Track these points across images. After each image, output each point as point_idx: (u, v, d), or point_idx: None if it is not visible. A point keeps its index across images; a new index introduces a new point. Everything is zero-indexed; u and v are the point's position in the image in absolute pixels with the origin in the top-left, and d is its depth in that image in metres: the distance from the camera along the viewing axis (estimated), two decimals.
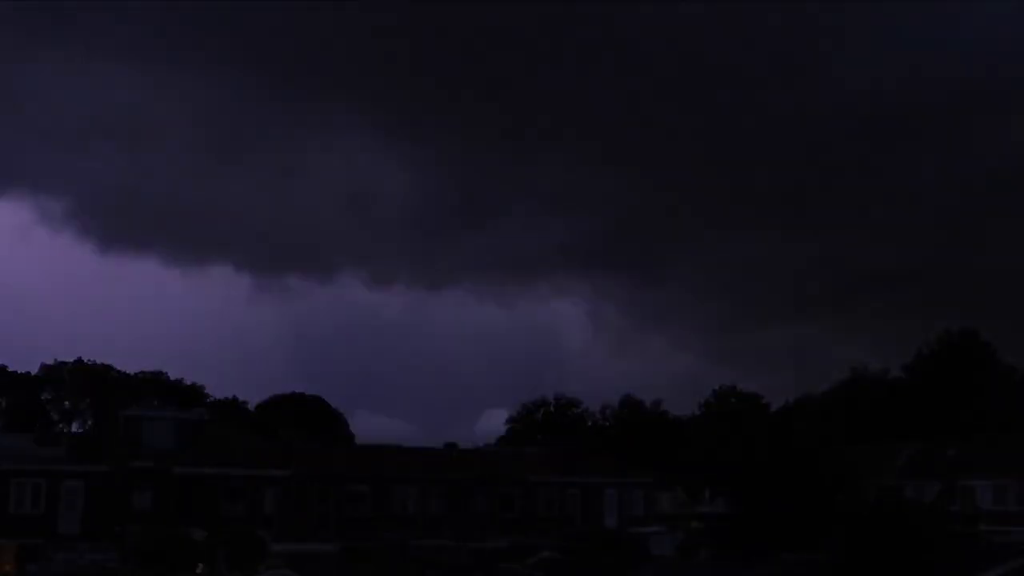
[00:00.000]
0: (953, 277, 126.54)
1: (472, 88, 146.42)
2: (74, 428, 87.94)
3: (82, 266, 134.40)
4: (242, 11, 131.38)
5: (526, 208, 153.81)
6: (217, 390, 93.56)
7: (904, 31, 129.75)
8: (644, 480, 68.53)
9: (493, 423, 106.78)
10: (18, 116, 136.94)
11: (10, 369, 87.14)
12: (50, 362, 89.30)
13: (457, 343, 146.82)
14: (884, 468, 60.93)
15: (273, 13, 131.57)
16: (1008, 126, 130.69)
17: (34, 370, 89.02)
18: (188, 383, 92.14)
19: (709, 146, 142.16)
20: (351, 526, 54.96)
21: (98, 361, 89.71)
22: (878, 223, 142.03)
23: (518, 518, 61.02)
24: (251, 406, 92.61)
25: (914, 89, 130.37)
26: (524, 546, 50.67)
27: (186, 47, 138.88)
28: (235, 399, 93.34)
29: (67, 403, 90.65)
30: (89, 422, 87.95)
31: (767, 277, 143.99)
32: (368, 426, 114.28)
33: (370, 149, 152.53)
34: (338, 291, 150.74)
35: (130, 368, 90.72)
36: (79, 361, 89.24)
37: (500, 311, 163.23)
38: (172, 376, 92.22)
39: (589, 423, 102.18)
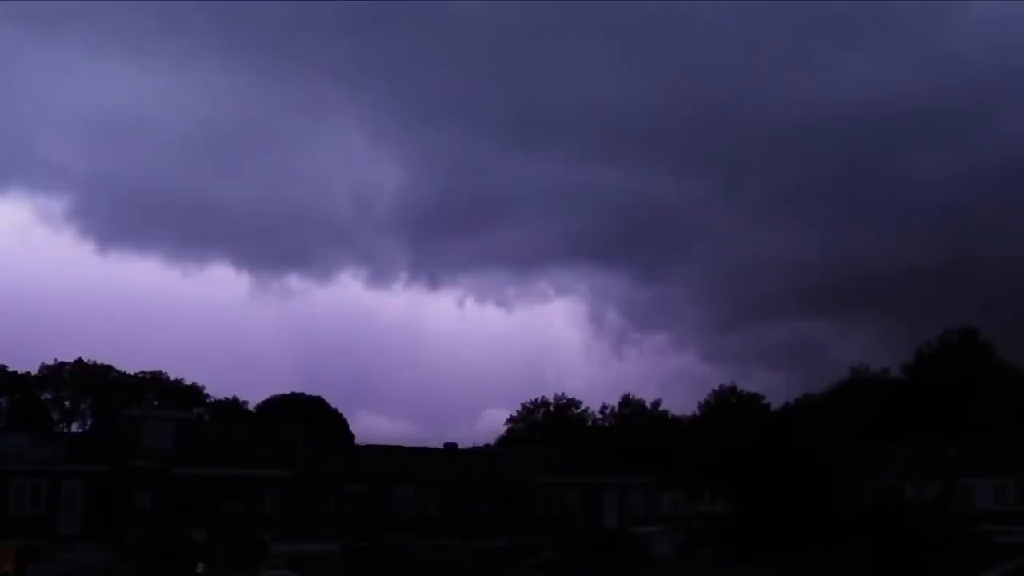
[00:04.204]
0: (953, 277, 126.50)
1: (472, 87, 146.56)
2: (74, 428, 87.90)
3: (82, 266, 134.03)
4: (242, 11, 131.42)
5: (526, 207, 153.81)
6: (217, 390, 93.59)
7: (905, 31, 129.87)
8: (644, 480, 68.52)
9: (493, 423, 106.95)
10: (18, 115, 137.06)
11: (10, 369, 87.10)
12: (50, 362, 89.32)
13: (457, 343, 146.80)
14: (884, 468, 60.94)
15: (273, 12, 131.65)
16: (1009, 125, 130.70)
17: (34, 370, 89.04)
18: (188, 383, 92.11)
19: (709, 146, 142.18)
20: (351, 526, 54.94)
21: (98, 361, 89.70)
22: (878, 223, 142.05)
23: (518, 518, 61.00)
24: (251, 406, 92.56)
25: (915, 89, 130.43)
26: (524, 546, 50.68)
27: (187, 47, 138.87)
28: (235, 399, 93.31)
29: (67, 403, 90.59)
30: (89, 422, 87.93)
31: (767, 277, 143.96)
32: (368, 426, 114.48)
33: (370, 148, 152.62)
34: (338, 291, 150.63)
35: (130, 368, 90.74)
36: (79, 361, 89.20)
37: (500, 311, 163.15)
38: (172, 376, 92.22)
39: (589, 423, 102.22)
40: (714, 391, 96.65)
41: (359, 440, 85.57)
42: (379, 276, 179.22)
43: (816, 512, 38.60)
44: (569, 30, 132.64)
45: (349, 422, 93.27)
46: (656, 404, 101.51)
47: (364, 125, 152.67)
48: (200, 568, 44.61)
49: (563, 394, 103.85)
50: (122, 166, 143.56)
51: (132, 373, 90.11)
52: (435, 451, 67.23)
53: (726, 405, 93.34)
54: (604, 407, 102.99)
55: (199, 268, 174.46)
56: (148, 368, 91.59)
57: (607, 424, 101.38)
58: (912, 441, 66.25)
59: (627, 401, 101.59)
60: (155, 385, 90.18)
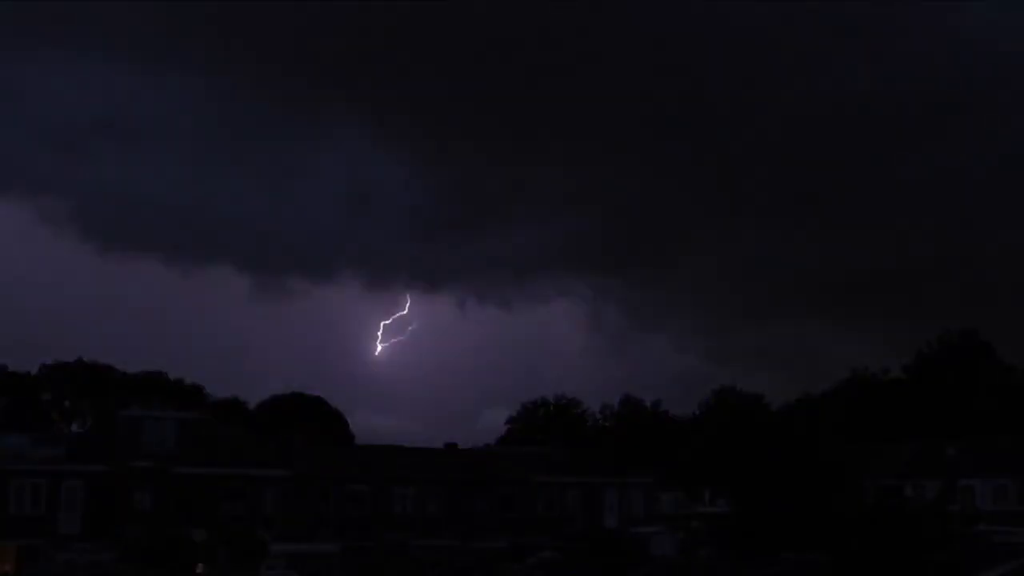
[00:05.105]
0: (953, 277, 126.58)
1: (472, 87, 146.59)
2: (74, 428, 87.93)
3: (82, 266, 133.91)
4: (242, 11, 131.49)
5: (526, 208, 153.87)
6: (217, 390, 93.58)
7: (906, 30, 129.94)
8: (644, 480, 68.53)
9: (493, 423, 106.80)
10: (18, 116, 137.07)
11: (10, 369, 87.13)
12: (50, 362, 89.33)
13: (457, 343, 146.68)
14: (884, 468, 60.91)
15: (273, 13, 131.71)
16: (1008, 125, 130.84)
17: (34, 370, 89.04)
18: (188, 383, 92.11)
19: (710, 146, 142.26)
20: (351, 526, 54.98)
21: (98, 361, 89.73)
22: (879, 223, 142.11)
23: (518, 518, 61.02)
24: (251, 406, 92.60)
25: (915, 88, 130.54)
26: (524, 546, 50.68)
27: (187, 48, 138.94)
28: (235, 399, 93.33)
29: (67, 403, 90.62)
30: (89, 422, 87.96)
31: (767, 277, 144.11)
32: (368, 426, 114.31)
33: (370, 149, 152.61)
34: (338, 291, 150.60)
35: (130, 368, 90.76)
36: (79, 361, 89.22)
37: (500, 311, 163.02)
38: (172, 376, 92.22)
39: (589, 423, 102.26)
40: (714, 391, 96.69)
41: (359, 440, 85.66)
42: (379, 276, 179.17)
43: (816, 512, 38.52)
44: (568, 31, 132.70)
45: (349, 422, 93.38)
46: (656, 404, 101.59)
47: (365, 125, 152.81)
48: (200, 568, 44.60)
49: (563, 394, 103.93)
50: (124, 167, 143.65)
51: (132, 373, 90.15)
52: (435, 451, 67.22)
53: (726, 405, 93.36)
54: (604, 407, 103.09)
55: (200, 268, 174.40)
56: (148, 368, 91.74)
57: (607, 424, 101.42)
58: (912, 441, 66.28)
59: (627, 401, 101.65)
60: (155, 385, 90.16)
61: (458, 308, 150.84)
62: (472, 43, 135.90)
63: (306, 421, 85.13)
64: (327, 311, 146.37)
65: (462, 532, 55.54)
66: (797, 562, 35.44)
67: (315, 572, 44.16)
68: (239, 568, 44.85)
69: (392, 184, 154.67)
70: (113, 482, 52.23)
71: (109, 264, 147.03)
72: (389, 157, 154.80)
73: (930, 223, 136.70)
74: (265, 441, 63.65)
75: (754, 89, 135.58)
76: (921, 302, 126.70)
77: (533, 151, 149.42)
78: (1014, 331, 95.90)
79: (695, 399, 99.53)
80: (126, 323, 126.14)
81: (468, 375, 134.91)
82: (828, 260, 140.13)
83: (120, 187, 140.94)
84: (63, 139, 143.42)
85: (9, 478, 50.79)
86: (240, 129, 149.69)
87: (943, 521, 36.74)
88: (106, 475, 52.33)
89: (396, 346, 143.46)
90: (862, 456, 57.24)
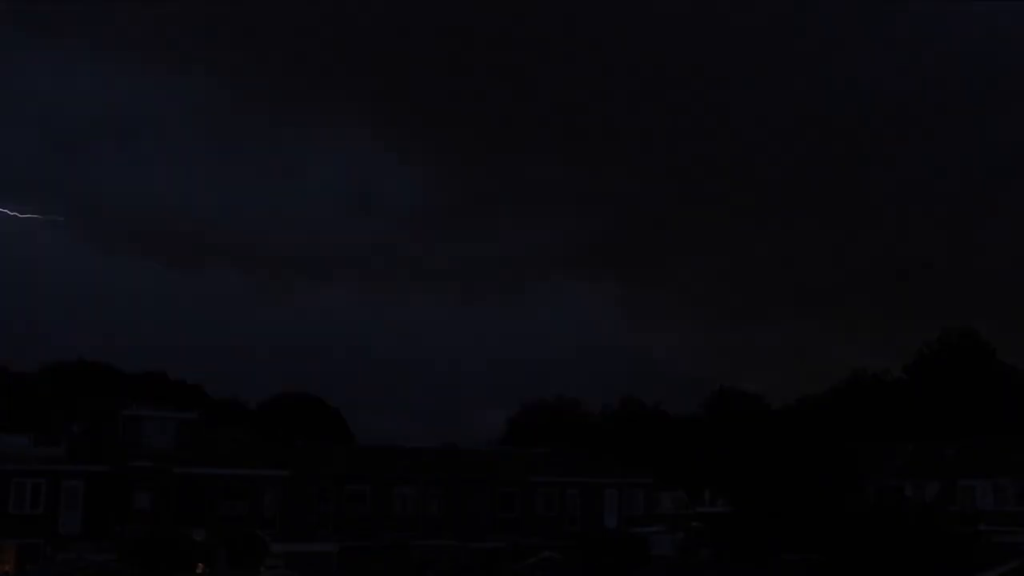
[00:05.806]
0: (953, 277, 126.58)
1: (472, 88, 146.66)
2: (74, 428, 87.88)
3: (82, 266, 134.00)
4: (242, 11, 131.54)
5: (526, 208, 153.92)
6: (217, 390, 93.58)
7: (903, 30, 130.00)
8: (644, 480, 68.49)
9: (493, 423, 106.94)
10: (19, 116, 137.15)
11: (10, 369, 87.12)
12: (50, 362, 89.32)
13: (456, 343, 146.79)
14: (884, 468, 60.86)
15: (273, 13, 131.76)
16: (1008, 124, 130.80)
17: (34, 370, 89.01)
18: (188, 383, 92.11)
19: (710, 145, 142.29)
20: (351, 526, 54.98)
21: (98, 361, 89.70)
22: (879, 222, 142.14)
23: (518, 518, 61.02)
24: (251, 406, 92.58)
25: (914, 87, 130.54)
26: (524, 546, 50.72)
27: (187, 49, 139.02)
28: (235, 399, 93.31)
29: (67, 403, 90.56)
30: (89, 422, 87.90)
31: (767, 277, 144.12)
32: (368, 426, 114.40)
33: (370, 149, 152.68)
34: (338, 291, 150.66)
35: (130, 368, 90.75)
36: (79, 361, 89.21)
37: (500, 311, 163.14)
38: (172, 376, 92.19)
39: (589, 423, 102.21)
40: (714, 391, 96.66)
41: (359, 440, 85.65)
42: (379, 276, 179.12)
43: (816, 512, 38.57)
44: (567, 31, 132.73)
45: (349, 422, 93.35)
46: (656, 404, 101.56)
47: (365, 125, 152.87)
48: (200, 568, 44.62)
49: (563, 394, 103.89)
50: (123, 166, 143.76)
51: (132, 373, 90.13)
52: (435, 451, 67.21)
53: (726, 405, 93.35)
54: (604, 407, 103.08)
55: (200, 268, 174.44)
56: (148, 368, 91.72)
57: (607, 424, 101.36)
58: (912, 441, 66.24)
59: (627, 401, 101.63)
60: (155, 385, 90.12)
61: (458, 307, 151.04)
62: (472, 42, 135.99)
63: (306, 421, 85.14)
64: (327, 311, 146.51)
65: (462, 532, 55.57)
66: (797, 562, 35.45)
67: (315, 572, 44.21)
68: (239, 568, 44.88)
69: (392, 184, 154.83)
70: (113, 482, 52.25)
71: (109, 264, 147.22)
72: (389, 157, 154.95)
73: (930, 223, 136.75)
74: (265, 441, 63.64)
75: (754, 91, 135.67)
76: (921, 302, 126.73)
77: (533, 151, 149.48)
78: (1014, 331, 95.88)
79: (695, 399, 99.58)
80: (126, 323, 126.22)
81: (468, 375, 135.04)
82: (828, 260, 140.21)
83: (119, 188, 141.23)
84: (62, 139, 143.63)
85: (9, 478, 50.80)
86: (240, 129, 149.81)
87: (943, 521, 36.78)
88: (106, 475, 52.36)
89: (396, 346, 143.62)
90: (862, 456, 57.20)
